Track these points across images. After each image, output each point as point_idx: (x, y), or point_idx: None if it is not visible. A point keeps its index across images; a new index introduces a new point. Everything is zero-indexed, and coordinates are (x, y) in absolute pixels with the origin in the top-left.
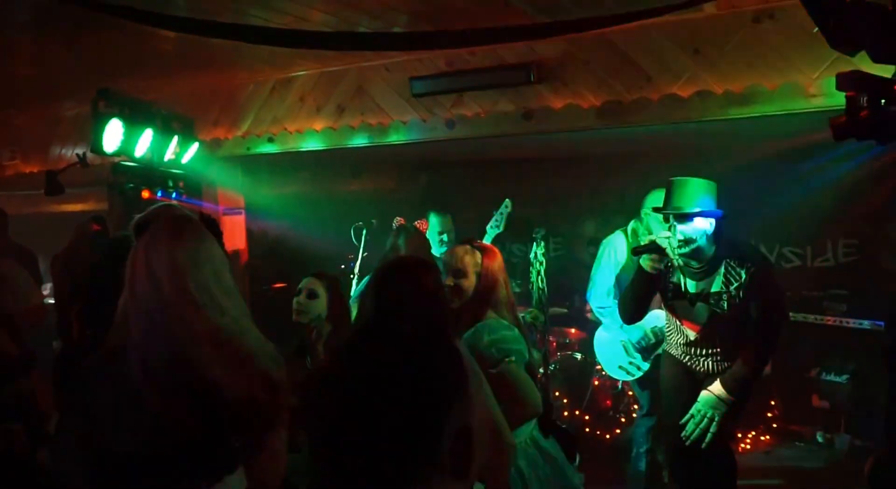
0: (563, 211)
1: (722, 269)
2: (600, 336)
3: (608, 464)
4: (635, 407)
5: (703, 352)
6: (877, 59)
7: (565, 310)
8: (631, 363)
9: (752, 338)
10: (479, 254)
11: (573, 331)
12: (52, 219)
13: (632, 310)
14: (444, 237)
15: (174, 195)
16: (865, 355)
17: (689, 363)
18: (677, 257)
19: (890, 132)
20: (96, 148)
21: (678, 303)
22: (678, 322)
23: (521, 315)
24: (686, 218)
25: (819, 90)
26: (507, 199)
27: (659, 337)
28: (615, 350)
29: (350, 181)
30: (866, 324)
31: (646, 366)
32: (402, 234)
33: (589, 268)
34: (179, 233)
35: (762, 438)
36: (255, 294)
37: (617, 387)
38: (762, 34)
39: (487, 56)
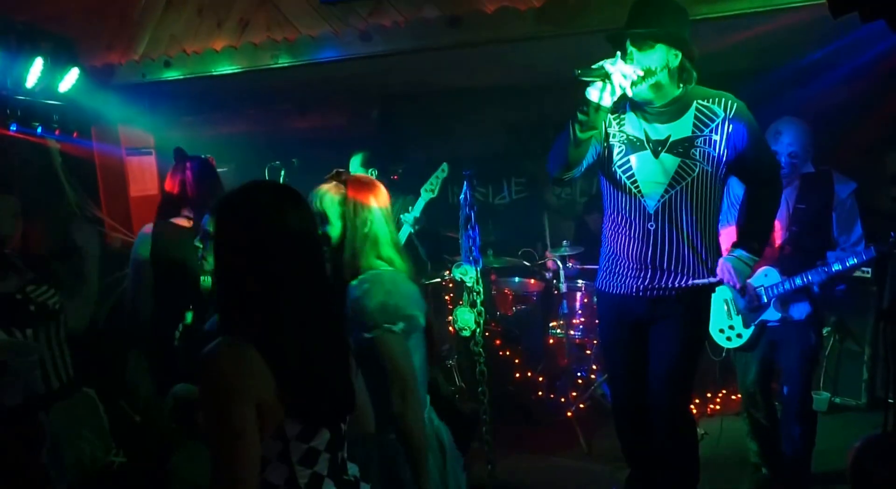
0: (526, 146)
1: (692, 110)
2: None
3: (563, 432)
4: (594, 367)
5: (667, 236)
6: None
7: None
8: (731, 327)
9: (743, 204)
10: (343, 190)
11: (532, 281)
12: None
13: (563, 154)
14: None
15: (40, 130)
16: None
17: (640, 277)
18: (633, 92)
19: None
20: None
21: (637, 159)
22: (634, 190)
23: (456, 269)
24: (644, 43)
25: None
26: (444, 163)
27: (767, 297)
28: (718, 309)
29: (296, 119)
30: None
31: (747, 332)
32: None
33: (556, 211)
34: None
35: (733, 398)
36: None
37: (574, 345)
38: None
39: None
